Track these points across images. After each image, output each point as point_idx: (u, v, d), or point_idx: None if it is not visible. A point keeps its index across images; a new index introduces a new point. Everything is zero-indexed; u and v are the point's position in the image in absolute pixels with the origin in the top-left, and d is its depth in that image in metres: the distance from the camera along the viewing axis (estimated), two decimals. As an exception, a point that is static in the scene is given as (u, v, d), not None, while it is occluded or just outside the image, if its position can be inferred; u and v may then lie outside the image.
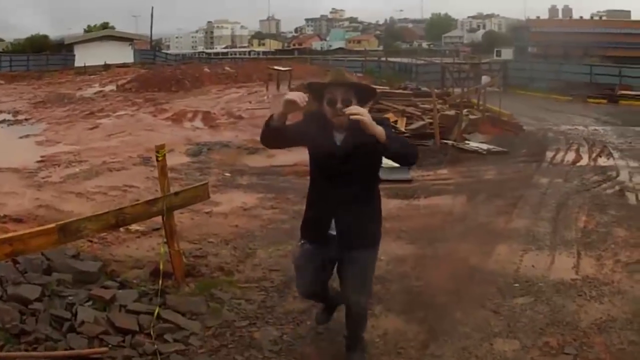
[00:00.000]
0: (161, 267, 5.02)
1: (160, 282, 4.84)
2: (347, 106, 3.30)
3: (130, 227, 6.57)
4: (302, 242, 3.82)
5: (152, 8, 60.68)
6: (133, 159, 12.18)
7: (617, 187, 9.32)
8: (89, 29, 56.37)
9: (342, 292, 3.79)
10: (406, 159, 3.57)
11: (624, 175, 10.24)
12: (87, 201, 8.71)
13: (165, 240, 5.22)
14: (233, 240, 6.71)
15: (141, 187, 9.44)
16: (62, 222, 4.51)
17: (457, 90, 20.98)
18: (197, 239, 6.71)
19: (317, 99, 3.53)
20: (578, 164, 11.49)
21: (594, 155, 12.45)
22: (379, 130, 3.21)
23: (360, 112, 3.19)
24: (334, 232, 3.61)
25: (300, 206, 7.95)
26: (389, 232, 6.82)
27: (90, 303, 4.39)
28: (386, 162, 9.66)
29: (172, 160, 11.95)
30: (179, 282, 5.18)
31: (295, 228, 6.82)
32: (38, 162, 11.49)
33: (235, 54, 76.83)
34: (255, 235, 6.90)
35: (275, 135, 3.46)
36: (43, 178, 10.13)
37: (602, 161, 11.80)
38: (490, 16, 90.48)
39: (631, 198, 8.69)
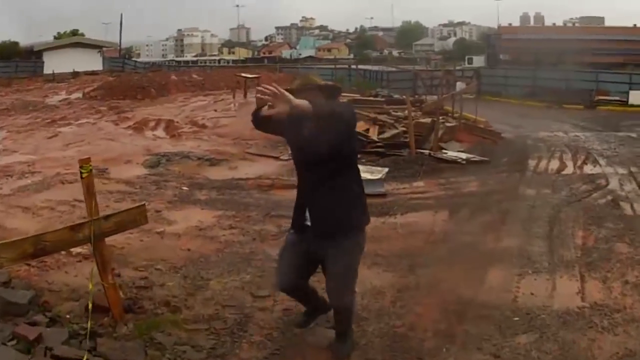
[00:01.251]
0: (90, 305, 4.21)
1: (89, 323, 4.07)
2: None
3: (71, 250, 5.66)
4: (289, 231, 3.99)
5: (122, 15, 59.32)
6: (86, 171, 11.18)
7: (609, 197, 8.64)
8: (58, 36, 54.98)
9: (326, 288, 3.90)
10: (342, 117, 3.51)
11: (614, 184, 9.58)
12: (32, 217, 7.83)
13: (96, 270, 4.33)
14: (184, 268, 5.74)
15: (91, 202, 8.42)
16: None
17: (431, 98, 20.35)
18: (143, 265, 5.79)
19: None
20: (563, 173, 10.81)
21: (579, 162, 11.81)
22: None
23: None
24: (309, 222, 3.69)
25: (261, 225, 7.14)
26: (364, 256, 6.05)
27: (14, 342, 3.79)
28: None
29: (128, 173, 11.20)
30: (116, 320, 4.36)
31: (254, 252, 6.09)
32: (-9, 172, 10.49)
33: (205, 62, 76.05)
34: (210, 262, 5.92)
35: (261, 122, 3.76)
36: (-7, 190, 9.19)
37: (589, 169, 11.12)
38: (461, 24, 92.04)
39: (626, 208, 8.01)
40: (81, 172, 4.22)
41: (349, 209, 3.69)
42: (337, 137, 3.49)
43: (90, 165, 4.23)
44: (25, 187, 9.42)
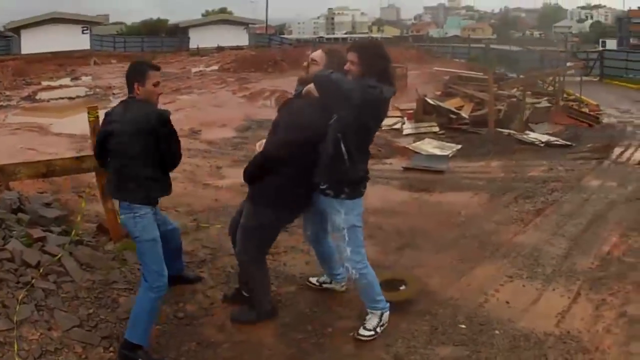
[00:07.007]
0: (79, 218, 5.22)
1: (73, 233, 4.96)
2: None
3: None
4: None
5: (267, -7, 62.19)
6: (183, 131, 12.34)
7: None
8: (206, 14, 58.63)
9: None
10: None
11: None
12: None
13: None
14: (199, 213, 6.51)
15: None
16: (2, 164, 5.17)
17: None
18: (167, 207, 6.40)
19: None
20: (646, 165, 9.59)
21: (673, 155, 10.32)
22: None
23: None
24: None
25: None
26: (365, 227, 6.21)
27: (24, 239, 4.65)
28: (426, 149, 9.41)
29: (216, 134, 12.22)
30: (110, 239, 5.21)
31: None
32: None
33: (355, 40, 77.18)
34: (226, 211, 6.51)
35: None
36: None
37: (682, 165, 9.66)
38: (597, 7, 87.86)
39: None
40: (88, 116, 4.97)
41: (271, 183, 3.85)
42: None
43: (96, 112, 4.95)
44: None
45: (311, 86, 3.63)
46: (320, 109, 3.61)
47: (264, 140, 3.98)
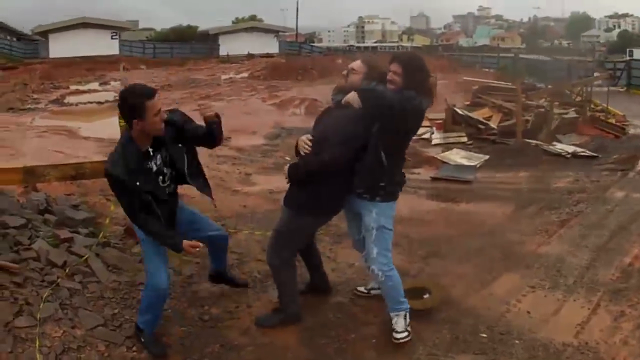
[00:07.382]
0: (107, 221, 5.40)
1: (100, 234, 5.18)
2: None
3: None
4: None
5: (297, 2, 62.95)
6: (213, 138, 12.56)
7: None
8: (236, 21, 59.45)
9: None
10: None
11: None
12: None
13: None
14: (227, 219, 6.63)
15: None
16: (29, 165, 5.09)
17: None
18: None
19: None
20: (672, 176, 9.38)
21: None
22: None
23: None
24: None
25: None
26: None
27: (51, 239, 4.85)
28: (454, 159, 9.63)
29: (246, 142, 12.45)
30: (137, 242, 5.28)
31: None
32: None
33: (385, 49, 77.32)
34: (254, 218, 6.72)
35: None
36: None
37: None
38: (625, 16, 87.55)
39: None
40: (119, 122, 5.16)
41: (309, 189, 3.93)
42: None
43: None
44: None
45: (351, 96, 3.76)
46: (362, 117, 3.78)
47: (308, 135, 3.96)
